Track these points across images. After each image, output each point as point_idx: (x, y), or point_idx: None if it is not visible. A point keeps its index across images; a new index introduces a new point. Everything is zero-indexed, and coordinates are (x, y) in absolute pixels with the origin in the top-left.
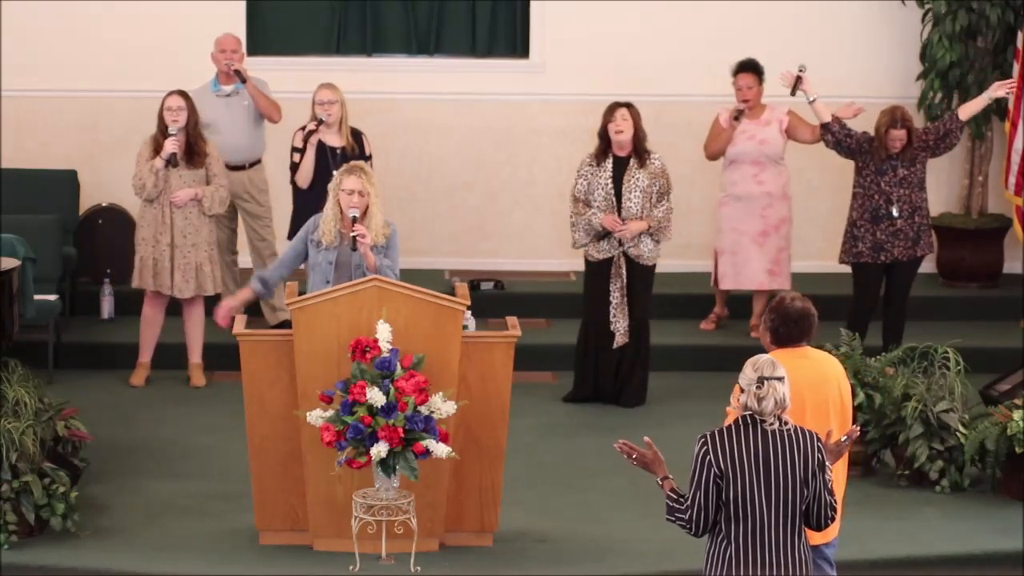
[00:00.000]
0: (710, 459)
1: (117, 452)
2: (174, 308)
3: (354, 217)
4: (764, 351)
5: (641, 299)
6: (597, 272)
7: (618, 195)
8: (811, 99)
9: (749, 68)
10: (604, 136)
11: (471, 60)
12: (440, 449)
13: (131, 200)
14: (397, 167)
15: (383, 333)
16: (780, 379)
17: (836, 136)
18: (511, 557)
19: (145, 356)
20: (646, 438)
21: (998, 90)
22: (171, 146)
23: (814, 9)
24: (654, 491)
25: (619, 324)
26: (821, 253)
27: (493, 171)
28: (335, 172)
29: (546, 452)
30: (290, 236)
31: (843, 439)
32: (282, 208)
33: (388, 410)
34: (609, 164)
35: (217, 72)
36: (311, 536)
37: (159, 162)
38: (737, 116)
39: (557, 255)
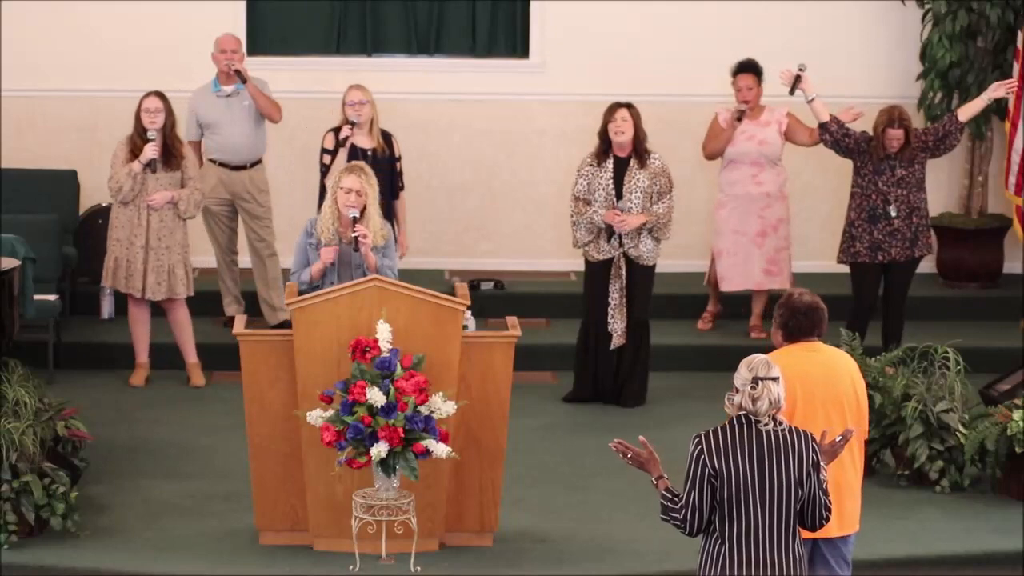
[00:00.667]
0: (704, 459)
1: (117, 452)
2: (162, 309)
3: (354, 218)
4: (763, 351)
5: (641, 300)
6: (597, 273)
7: (619, 195)
8: (810, 98)
9: (749, 69)
10: (604, 136)
11: (471, 60)
12: (440, 449)
13: None
14: None
15: (383, 333)
16: (775, 379)
17: (834, 136)
18: (511, 557)
19: (142, 356)
20: (641, 437)
21: (997, 90)
22: (151, 152)
23: (814, 9)
24: (654, 491)
25: (617, 325)
26: (821, 253)
27: (493, 171)
28: None
29: (546, 452)
30: None
31: (837, 439)
32: (282, 208)
33: (388, 410)
34: (610, 164)
35: (218, 72)
36: (311, 536)
37: (137, 166)
38: (739, 117)
39: (557, 255)
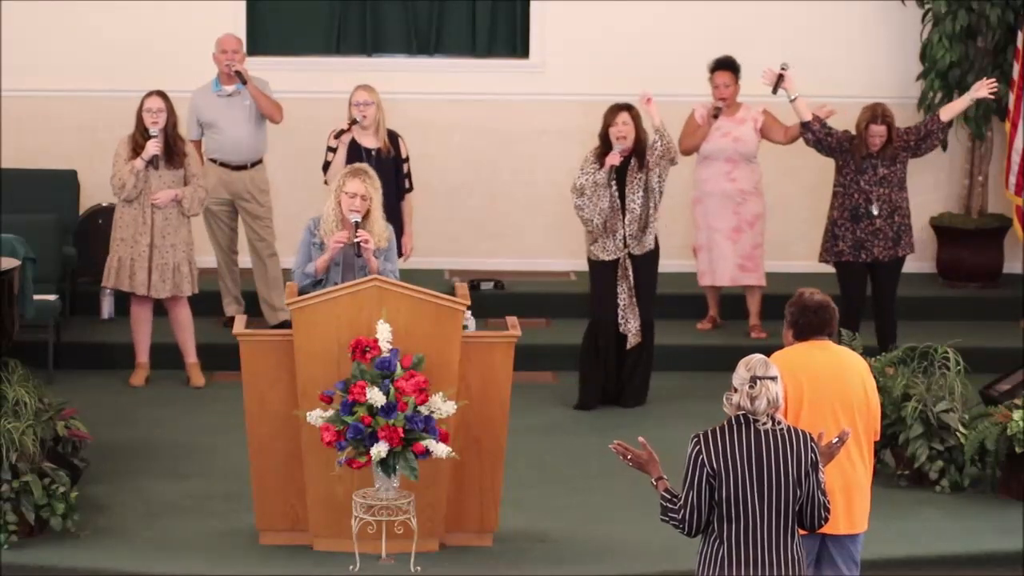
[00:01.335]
0: (703, 459)
1: (117, 452)
2: (164, 307)
3: (356, 222)
4: (764, 351)
5: (647, 300)
6: (603, 273)
7: (621, 196)
8: (792, 97)
9: (726, 66)
10: (605, 138)
11: (471, 60)
12: (440, 449)
13: None
14: None
15: (383, 333)
16: (773, 379)
17: (816, 135)
18: (511, 557)
19: (142, 356)
20: (641, 439)
21: (980, 90)
22: (153, 148)
23: (814, 9)
24: (654, 491)
25: (631, 324)
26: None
27: (493, 171)
28: None
29: (546, 452)
30: None
31: (835, 440)
32: (282, 208)
33: (388, 410)
34: None
35: (218, 72)
36: (311, 536)
37: (139, 163)
38: (716, 114)
39: (557, 255)
